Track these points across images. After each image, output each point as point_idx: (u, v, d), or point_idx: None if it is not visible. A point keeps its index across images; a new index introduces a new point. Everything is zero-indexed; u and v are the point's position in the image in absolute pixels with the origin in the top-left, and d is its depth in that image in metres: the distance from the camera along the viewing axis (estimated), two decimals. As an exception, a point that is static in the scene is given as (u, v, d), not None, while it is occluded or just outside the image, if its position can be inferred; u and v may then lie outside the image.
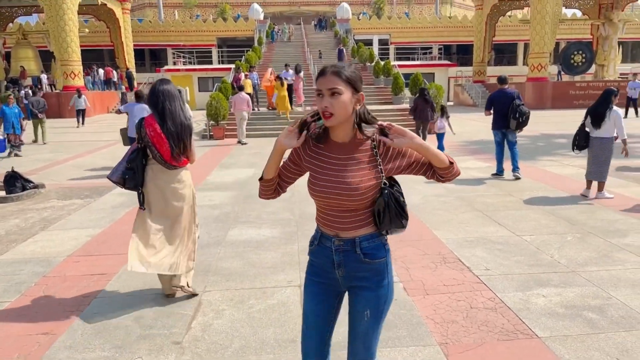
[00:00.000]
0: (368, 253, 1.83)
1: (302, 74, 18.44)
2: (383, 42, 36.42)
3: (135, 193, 3.51)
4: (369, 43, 31.66)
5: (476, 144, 12.38)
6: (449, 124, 10.62)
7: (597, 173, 6.34)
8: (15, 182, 7.51)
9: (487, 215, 5.72)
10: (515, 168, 7.97)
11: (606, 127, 6.23)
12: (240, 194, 7.29)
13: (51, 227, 5.71)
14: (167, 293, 3.65)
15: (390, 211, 1.81)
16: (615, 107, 6.20)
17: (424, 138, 12.26)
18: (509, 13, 33.86)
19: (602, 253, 4.34)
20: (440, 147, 10.79)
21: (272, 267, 4.27)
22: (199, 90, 29.15)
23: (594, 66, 29.03)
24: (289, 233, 5.24)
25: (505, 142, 8.02)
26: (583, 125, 6.53)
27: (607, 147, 6.28)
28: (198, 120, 19.22)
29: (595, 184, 6.45)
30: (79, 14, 24.43)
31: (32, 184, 7.68)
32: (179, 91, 3.79)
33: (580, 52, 28.13)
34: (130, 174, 3.42)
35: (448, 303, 3.41)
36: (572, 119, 19.01)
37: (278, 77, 16.12)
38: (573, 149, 6.64)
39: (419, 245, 4.69)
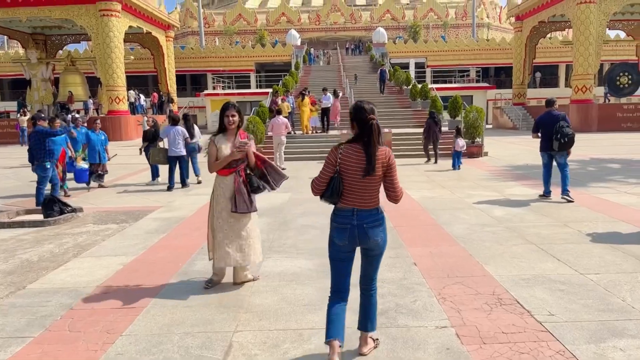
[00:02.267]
0: None
1: (340, 96, 19.00)
2: (419, 66, 36.17)
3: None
4: (405, 66, 31.51)
5: (520, 169, 11.76)
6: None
7: None
8: (54, 206, 7.53)
9: (543, 248, 5.22)
10: (564, 190, 7.79)
11: None
12: (275, 220, 7.04)
13: (84, 254, 5.59)
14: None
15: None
16: None
17: (436, 155, 13.23)
18: (549, 35, 33.00)
19: (684, 298, 3.79)
20: (458, 163, 12.07)
21: (309, 304, 3.94)
22: (236, 115, 29.52)
23: (641, 88, 27.75)
24: (327, 265, 4.88)
25: (557, 165, 7.88)
26: None
27: None
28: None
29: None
30: (125, 42, 25.43)
31: (69, 208, 7.68)
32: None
33: (626, 73, 26.98)
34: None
35: (509, 356, 2.98)
36: (621, 142, 18.07)
37: (301, 95, 16.82)
38: None
39: (469, 282, 4.26)
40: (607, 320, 3.43)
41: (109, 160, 10.66)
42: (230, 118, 4.08)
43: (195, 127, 10.79)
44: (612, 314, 3.54)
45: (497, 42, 37.16)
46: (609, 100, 28.29)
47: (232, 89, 34.77)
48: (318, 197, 2.94)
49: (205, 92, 32.49)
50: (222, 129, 4.16)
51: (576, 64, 23.89)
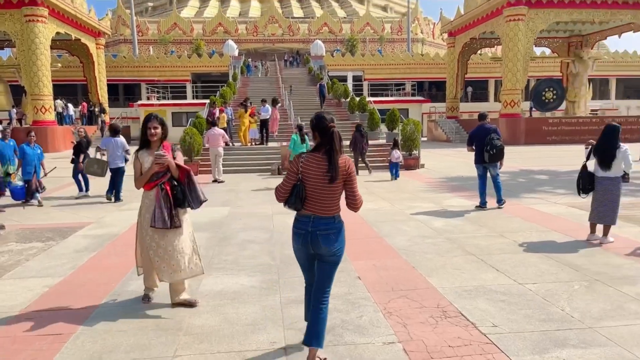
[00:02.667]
0: None
1: (278, 106, 18.92)
2: (357, 79, 36.94)
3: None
4: (343, 79, 32.04)
5: (456, 181, 12.20)
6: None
7: (607, 216, 5.91)
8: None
9: (482, 259, 5.36)
10: (499, 200, 8.34)
11: (616, 166, 5.91)
12: (214, 235, 6.76)
13: (5, 276, 5.07)
14: None
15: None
16: (622, 144, 5.89)
17: (367, 166, 13.71)
18: (479, 51, 34.89)
19: (616, 304, 3.99)
20: (396, 174, 12.60)
21: (252, 324, 3.75)
22: (173, 125, 28.49)
23: (564, 102, 29.95)
24: (270, 281, 4.74)
25: (490, 177, 8.33)
26: (585, 167, 6.11)
27: (617, 186, 5.96)
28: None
29: (600, 227, 6.09)
30: (52, 48, 24.04)
31: (-13, 226, 7.01)
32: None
33: (552, 89, 29.02)
34: None
35: (458, 371, 2.97)
36: (547, 154, 19.32)
37: (242, 106, 16.68)
38: (579, 193, 6.19)
39: (413, 295, 4.26)
40: (549, 330, 3.52)
41: (45, 175, 9.92)
42: (152, 130, 3.96)
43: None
44: (552, 323, 3.64)
45: (431, 57, 38.77)
46: (532, 115, 30.24)
47: (168, 99, 33.68)
48: (281, 204, 3.06)
49: (139, 102, 31.22)
50: (146, 142, 4.01)
51: (505, 79, 25.37)
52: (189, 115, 25.07)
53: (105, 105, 29.62)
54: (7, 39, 25.47)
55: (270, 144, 17.24)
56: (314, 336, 2.97)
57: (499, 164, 8.20)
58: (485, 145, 7.94)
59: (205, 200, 4.14)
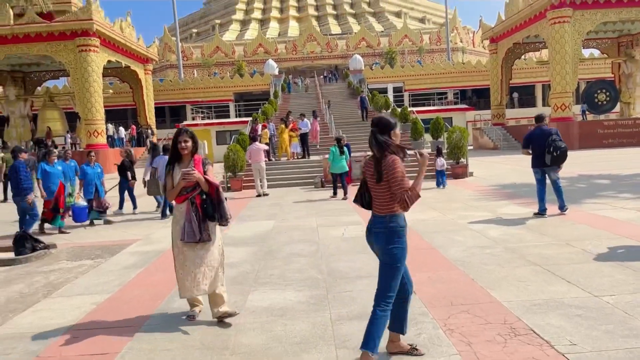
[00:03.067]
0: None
1: (318, 118, 19.45)
2: (397, 90, 36.55)
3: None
4: (383, 91, 31.74)
5: (509, 188, 11.57)
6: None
7: None
8: (25, 243, 7.03)
9: (549, 270, 4.90)
10: (562, 206, 7.80)
11: None
12: (260, 249, 6.61)
13: (55, 294, 5.10)
14: None
15: None
16: None
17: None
18: (524, 56, 33.77)
19: None
20: (443, 182, 12.42)
21: (302, 342, 3.51)
22: (217, 144, 29.22)
23: (618, 104, 28.37)
24: (319, 297, 4.50)
25: (549, 181, 7.81)
26: None
27: None
28: (216, 172, 18.91)
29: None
30: (103, 76, 25.24)
31: (42, 244, 7.18)
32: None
33: (604, 90, 27.58)
34: None
35: (537, 396, 2.60)
36: (605, 158, 18.19)
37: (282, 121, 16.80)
38: None
39: (476, 310, 3.89)
40: (635, 348, 3.08)
41: (106, 192, 10.03)
42: (183, 144, 4.00)
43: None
44: (638, 340, 3.19)
45: (472, 64, 37.89)
46: (586, 118, 28.76)
47: (212, 119, 34.50)
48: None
49: (185, 122, 32.15)
50: (177, 155, 4.02)
51: (554, 82, 24.30)
52: (232, 133, 25.49)
53: (153, 127, 30.64)
54: (62, 69, 26.91)
55: (313, 157, 17.16)
56: (363, 337, 2.97)
57: (559, 167, 7.70)
58: (548, 147, 7.46)
59: (229, 218, 4.10)
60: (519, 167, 16.26)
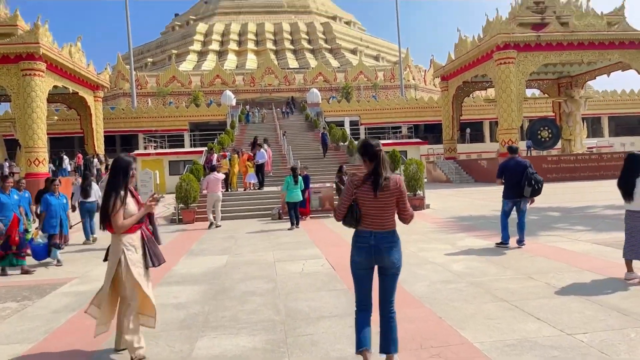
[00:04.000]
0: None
1: (266, 145, 19.43)
2: (354, 123, 37.09)
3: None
4: (340, 124, 32.07)
5: (466, 220, 11.60)
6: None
7: (638, 251, 5.43)
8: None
9: (516, 306, 4.70)
10: (522, 240, 7.83)
11: (638, 197, 5.44)
12: (211, 288, 6.08)
13: (-34, 345, 4.36)
14: None
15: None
16: None
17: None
18: (472, 94, 35.24)
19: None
20: None
21: (257, 397, 3.07)
22: (170, 174, 28.21)
23: (560, 141, 29.87)
24: (276, 342, 4.06)
25: (515, 212, 7.91)
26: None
27: None
28: (167, 204, 18.08)
29: (638, 264, 5.49)
30: (49, 102, 23.97)
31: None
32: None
33: (547, 128, 29.01)
34: None
35: None
36: (551, 192, 18.83)
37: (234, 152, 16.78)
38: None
39: (448, 354, 3.58)
40: (620, 392, 2.86)
41: (71, 227, 8.72)
42: (135, 171, 4.01)
43: (94, 185, 10.92)
44: (621, 382, 2.98)
45: (425, 100, 39.15)
46: (532, 153, 29.95)
47: (165, 148, 33.50)
48: (340, 222, 3.39)
49: (136, 152, 30.96)
50: (125, 185, 3.84)
51: (501, 119, 25.31)
52: (186, 163, 24.72)
53: (101, 155, 29.30)
54: (3, 94, 25.42)
55: (269, 188, 16.75)
56: (391, 343, 3.26)
57: (532, 200, 7.82)
58: (528, 179, 7.51)
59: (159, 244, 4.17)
60: (472, 199, 16.52)
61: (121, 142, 36.75)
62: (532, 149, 30.42)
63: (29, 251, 7.95)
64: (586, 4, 25.88)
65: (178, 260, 8.10)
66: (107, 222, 3.73)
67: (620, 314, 4.33)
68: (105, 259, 3.89)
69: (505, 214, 7.92)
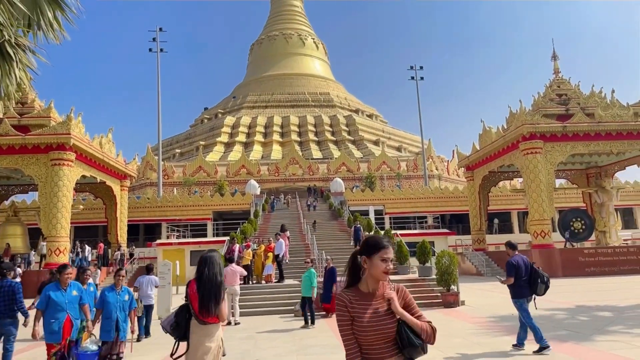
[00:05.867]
0: None
1: (287, 232, 19.16)
2: (378, 213, 36.64)
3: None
4: (364, 213, 31.66)
5: (507, 320, 10.52)
6: None
7: None
8: None
9: None
10: (542, 338, 7.27)
11: None
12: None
13: None
14: None
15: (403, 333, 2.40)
16: None
17: None
18: (500, 184, 34.81)
19: None
20: None
21: None
22: (191, 264, 27.73)
23: (594, 233, 28.58)
24: None
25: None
26: None
27: None
28: (186, 296, 17.38)
29: None
30: (76, 191, 24.18)
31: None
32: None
33: (579, 219, 27.95)
34: (175, 325, 4.11)
35: None
36: (594, 288, 17.51)
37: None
38: None
39: None
40: None
41: (132, 332, 6.82)
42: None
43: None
44: None
45: (450, 190, 38.80)
46: (573, 246, 28.13)
47: (187, 237, 33.38)
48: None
49: (158, 241, 30.86)
50: None
51: (531, 209, 24.54)
52: (207, 254, 24.29)
53: (124, 245, 29.17)
54: (32, 183, 25.97)
55: (290, 281, 15.99)
56: None
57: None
58: (540, 277, 7.35)
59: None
60: (508, 295, 15.36)
61: (145, 231, 36.94)
62: (571, 241, 28.57)
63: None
64: (610, 96, 26.06)
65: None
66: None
67: None
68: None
69: (529, 314, 7.44)
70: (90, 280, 7.17)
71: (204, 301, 4.04)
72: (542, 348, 7.13)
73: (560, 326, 9.50)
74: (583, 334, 8.42)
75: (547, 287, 7.39)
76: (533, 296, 7.54)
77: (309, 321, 11.04)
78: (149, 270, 10.77)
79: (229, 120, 63.93)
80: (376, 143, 60.69)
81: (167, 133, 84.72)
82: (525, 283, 7.41)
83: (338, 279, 13.50)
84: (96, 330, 6.28)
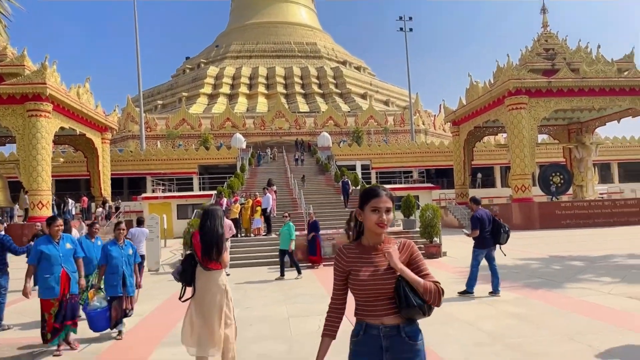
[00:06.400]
0: (411, 336, 2.22)
1: (274, 187, 19.39)
2: (365, 168, 36.93)
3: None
4: (351, 168, 31.92)
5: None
6: None
7: None
8: None
9: (562, 374, 4.22)
10: (498, 289, 8.08)
11: None
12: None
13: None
14: None
15: (401, 291, 2.17)
16: None
17: None
18: (484, 139, 35.17)
19: None
20: None
21: None
22: (178, 218, 27.96)
23: (571, 187, 29.38)
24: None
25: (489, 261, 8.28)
26: None
27: None
28: (174, 249, 17.70)
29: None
30: (55, 143, 23.73)
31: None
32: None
33: (558, 173, 28.63)
34: (182, 271, 4.50)
35: None
36: (568, 239, 18.28)
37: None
38: None
39: None
40: None
41: (139, 287, 6.52)
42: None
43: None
44: None
45: (436, 145, 39.13)
46: (557, 199, 28.75)
47: (173, 191, 33.42)
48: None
49: (143, 195, 30.85)
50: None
51: (513, 164, 25.04)
52: (195, 207, 24.47)
53: (109, 198, 29.14)
54: (9, 135, 25.34)
55: (274, 235, 16.37)
56: None
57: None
58: (502, 227, 8.05)
59: None
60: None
61: (129, 185, 36.74)
62: (555, 195, 29.16)
63: (83, 315, 6.16)
64: (596, 51, 26.08)
65: (181, 316, 7.65)
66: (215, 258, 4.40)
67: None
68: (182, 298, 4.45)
69: (478, 264, 8.20)
70: (99, 235, 7.13)
71: (207, 250, 4.34)
72: (466, 292, 8.12)
73: (534, 275, 10.03)
74: (555, 282, 8.93)
75: (508, 236, 8.12)
76: (497, 246, 8.21)
77: (284, 273, 11.40)
78: (140, 222, 10.83)
79: (212, 70, 62.37)
80: (364, 96, 60.20)
81: (148, 84, 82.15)
82: (489, 234, 8.01)
83: (322, 232, 13.88)
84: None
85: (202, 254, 4.37)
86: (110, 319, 5.90)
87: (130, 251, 6.26)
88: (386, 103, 62.57)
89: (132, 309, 6.26)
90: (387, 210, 2.27)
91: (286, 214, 12.95)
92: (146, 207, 28.43)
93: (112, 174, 31.10)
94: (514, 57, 26.31)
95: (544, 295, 7.79)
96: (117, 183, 33.41)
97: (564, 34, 37.66)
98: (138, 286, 6.38)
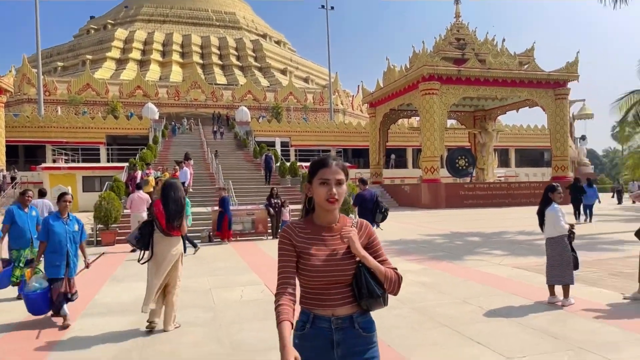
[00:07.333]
0: (365, 327, 1.99)
1: (192, 161, 19.48)
2: (284, 145, 37.16)
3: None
4: (270, 145, 31.95)
5: (397, 244, 11.92)
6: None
7: (562, 276, 5.87)
8: None
9: (458, 331, 4.84)
10: None
11: (549, 226, 5.97)
12: (142, 318, 5.61)
13: None
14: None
15: (363, 280, 1.94)
16: (553, 204, 5.97)
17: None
18: (398, 122, 36.84)
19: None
20: None
21: None
22: (84, 191, 26.25)
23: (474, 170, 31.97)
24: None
25: None
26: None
27: (560, 246, 5.92)
28: (148, 214, 16.76)
29: (559, 288, 5.95)
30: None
31: None
32: None
33: (464, 157, 30.93)
34: (139, 237, 4.98)
35: None
36: (469, 217, 20.06)
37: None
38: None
39: (403, 384, 3.58)
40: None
41: (87, 267, 5.71)
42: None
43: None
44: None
45: (354, 125, 40.28)
46: (464, 180, 30.87)
47: (78, 162, 31.23)
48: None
49: (44, 165, 28.48)
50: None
51: (424, 147, 26.63)
52: (103, 180, 23.16)
53: (3, 167, 26.60)
54: None
55: (196, 209, 16.12)
56: None
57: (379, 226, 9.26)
58: (379, 207, 8.92)
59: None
60: (399, 223, 17.08)
61: (25, 154, 33.65)
62: (473, 175, 31.34)
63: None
64: (501, 44, 28.25)
65: (100, 287, 7.49)
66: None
67: (551, 337, 4.60)
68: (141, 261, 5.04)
69: None
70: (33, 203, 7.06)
71: (170, 218, 4.88)
72: None
73: (438, 249, 11.00)
74: (456, 255, 9.90)
75: (384, 217, 9.02)
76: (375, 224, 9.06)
77: (196, 245, 11.58)
78: (42, 194, 10.00)
79: (121, 33, 58.28)
80: (284, 72, 59.88)
81: (47, 43, 74.81)
82: (369, 212, 8.88)
83: (242, 207, 13.94)
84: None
85: (166, 222, 4.88)
86: (50, 301, 5.24)
87: (76, 227, 5.49)
88: (306, 80, 62.80)
89: (75, 292, 5.55)
90: (338, 183, 1.95)
91: (223, 187, 12.96)
92: (46, 178, 26.32)
93: (6, 141, 28.36)
94: (429, 44, 27.75)
95: (446, 266, 8.63)
96: (11, 151, 30.55)
97: (474, 25, 40.23)
98: (87, 266, 5.65)
